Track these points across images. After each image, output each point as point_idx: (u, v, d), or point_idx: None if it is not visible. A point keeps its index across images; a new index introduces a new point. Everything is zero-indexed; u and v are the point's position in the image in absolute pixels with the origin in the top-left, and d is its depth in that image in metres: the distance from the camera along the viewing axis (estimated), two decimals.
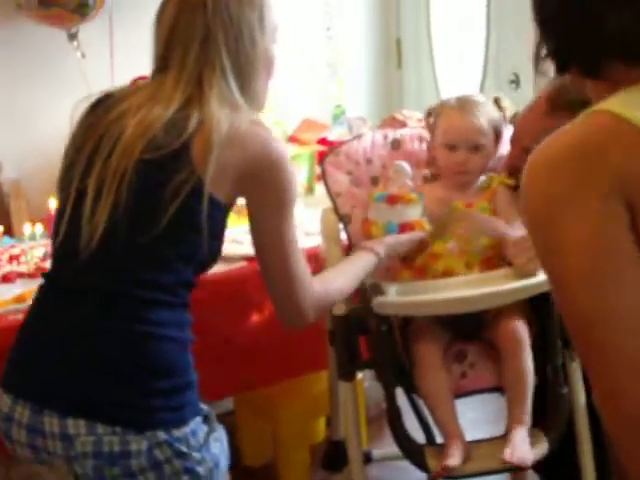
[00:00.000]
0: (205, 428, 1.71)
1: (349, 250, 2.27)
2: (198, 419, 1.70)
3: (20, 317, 2.23)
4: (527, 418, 2.12)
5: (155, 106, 1.67)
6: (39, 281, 2.31)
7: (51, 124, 2.89)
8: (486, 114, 2.31)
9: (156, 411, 1.63)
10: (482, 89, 3.83)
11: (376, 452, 2.74)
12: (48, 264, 2.37)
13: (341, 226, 2.32)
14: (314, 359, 2.54)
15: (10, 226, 2.68)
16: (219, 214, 1.70)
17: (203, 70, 1.71)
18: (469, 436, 2.32)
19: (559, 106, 2.19)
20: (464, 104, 2.32)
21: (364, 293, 2.14)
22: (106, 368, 1.62)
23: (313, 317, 1.82)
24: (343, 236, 2.32)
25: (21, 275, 2.35)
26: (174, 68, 1.72)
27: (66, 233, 1.68)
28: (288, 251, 1.75)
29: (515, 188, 2.24)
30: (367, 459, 2.56)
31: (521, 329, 2.18)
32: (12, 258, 2.43)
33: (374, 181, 2.38)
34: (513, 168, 2.29)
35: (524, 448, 2.07)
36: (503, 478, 2.85)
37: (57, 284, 1.74)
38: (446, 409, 2.16)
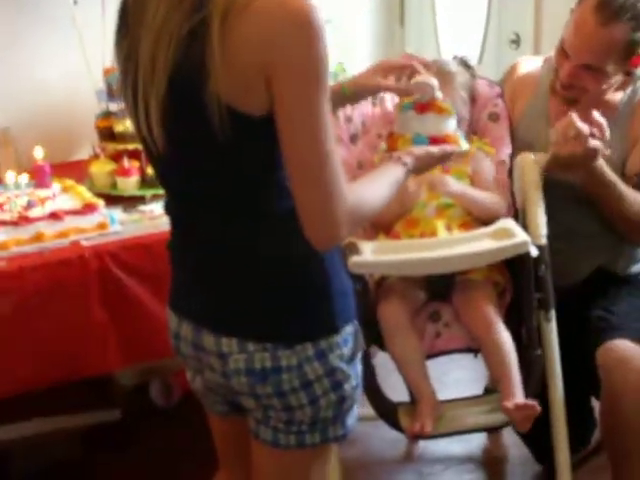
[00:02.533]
0: (353, 341, 1.63)
1: None
2: (349, 328, 1.61)
3: (2, 264, 2.27)
4: (518, 392, 2.12)
5: None
6: (22, 230, 2.36)
7: (41, 73, 2.90)
8: (457, 84, 2.31)
9: (303, 323, 1.58)
10: (483, 48, 3.81)
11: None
12: (31, 213, 2.40)
13: None
14: None
15: None
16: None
17: None
18: (451, 395, 2.35)
19: (614, 14, 2.16)
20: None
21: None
22: (249, 285, 1.58)
23: (346, 233, 1.51)
24: None
25: (4, 223, 2.35)
26: None
27: None
28: (325, 150, 1.44)
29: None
30: None
31: (490, 314, 2.19)
32: None
33: (353, 139, 2.37)
34: (568, 85, 2.29)
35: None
36: (482, 438, 2.89)
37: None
38: (415, 370, 2.17)
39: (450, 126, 1.95)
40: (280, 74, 1.40)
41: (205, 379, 1.70)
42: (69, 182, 2.63)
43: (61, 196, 2.53)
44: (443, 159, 1.84)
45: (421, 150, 1.78)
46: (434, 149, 1.81)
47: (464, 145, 1.94)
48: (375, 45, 3.98)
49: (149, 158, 1.63)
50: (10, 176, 2.56)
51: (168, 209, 1.67)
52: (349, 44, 3.67)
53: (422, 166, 1.78)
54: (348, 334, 1.61)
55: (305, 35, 1.39)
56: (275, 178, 1.51)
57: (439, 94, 1.95)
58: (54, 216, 2.38)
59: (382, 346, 2.24)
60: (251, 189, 1.53)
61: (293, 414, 1.61)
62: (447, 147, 1.84)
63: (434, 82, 1.92)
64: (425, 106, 1.94)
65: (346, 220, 1.49)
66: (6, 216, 2.38)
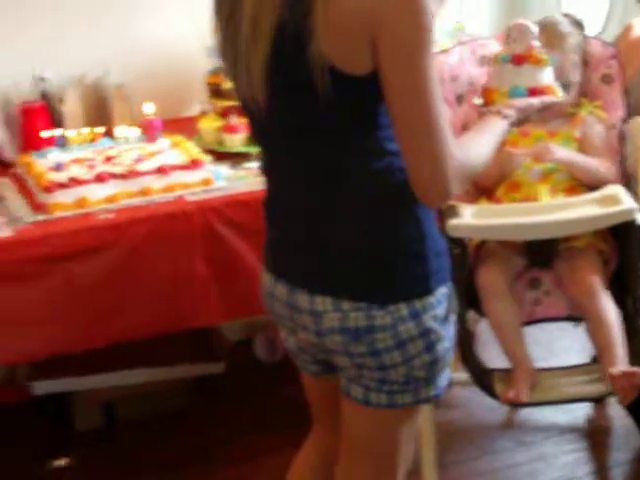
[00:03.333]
0: (447, 303, 1.64)
1: None
2: (443, 290, 1.62)
3: (111, 217, 2.33)
4: (623, 361, 2.07)
5: None
6: (130, 183, 2.41)
7: (155, 30, 2.94)
8: (569, 46, 2.23)
9: (397, 283, 1.59)
10: (612, 5, 3.67)
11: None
12: (139, 167, 2.45)
13: None
14: None
15: (111, 128, 2.74)
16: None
17: None
18: (559, 362, 2.30)
19: None
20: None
21: (440, 215, 2.12)
22: (344, 245, 1.59)
23: (455, 190, 1.52)
24: None
25: (114, 176, 2.40)
26: None
27: None
28: (433, 109, 1.46)
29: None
30: None
31: (595, 284, 2.14)
32: (107, 159, 2.49)
33: (459, 99, 2.32)
34: None
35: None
36: (586, 408, 2.83)
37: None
38: (512, 336, 2.14)
39: (547, 77, 1.94)
40: (386, 33, 1.42)
41: (298, 339, 1.71)
42: (178, 138, 2.67)
43: (170, 151, 2.57)
44: (543, 110, 1.84)
45: (522, 102, 1.79)
46: (534, 100, 1.83)
47: (561, 94, 1.93)
48: (495, 2, 3.88)
49: (248, 117, 1.64)
50: (121, 130, 2.61)
51: (264, 168, 1.69)
52: (468, 2, 3.59)
53: (522, 116, 1.78)
54: (442, 295, 1.61)
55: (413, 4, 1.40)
56: (374, 137, 1.54)
57: (536, 43, 1.96)
58: (161, 170, 2.43)
59: (479, 311, 2.21)
60: (349, 149, 1.55)
61: (386, 373, 1.61)
62: (546, 98, 1.86)
63: (534, 28, 1.94)
64: (522, 58, 1.95)
65: (455, 177, 1.50)
66: (116, 169, 2.44)
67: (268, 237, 1.72)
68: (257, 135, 1.67)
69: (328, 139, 1.54)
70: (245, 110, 1.61)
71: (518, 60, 1.96)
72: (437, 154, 1.48)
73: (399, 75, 1.45)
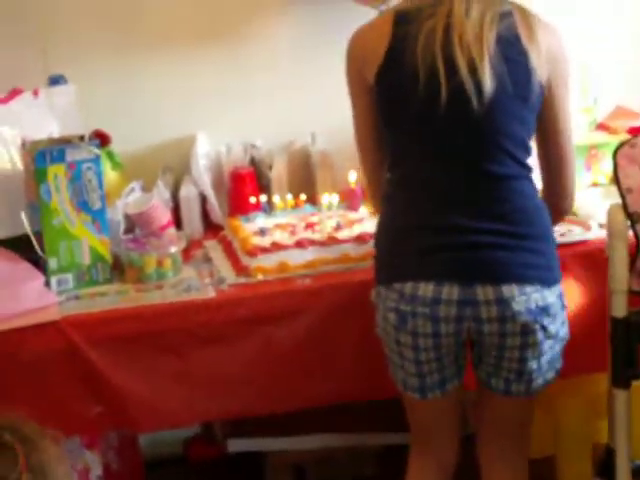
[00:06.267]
0: None
1: (635, 249, 2.15)
2: None
3: (307, 282, 2.38)
4: None
5: None
6: (329, 249, 2.44)
7: None
8: None
9: (554, 268, 2.00)
10: None
11: None
12: (340, 234, 2.49)
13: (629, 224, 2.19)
14: (597, 359, 2.40)
15: (314, 195, 2.80)
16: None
17: None
18: None
19: None
20: None
21: None
22: (525, 237, 1.96)
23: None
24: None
25: (313, 243, 2.45)
26: None
27: None
28: (571, 136, 2.05)
29: None
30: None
31: None
32: (308, 226, 2.55)
33: None
34: None
35: None
36: None
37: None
38: None
39: None
40: (560, 66, 1.99)
41: (464, 332, 1.97)
42: None
43: (369, 220, 2.59)
44: None
45: None
46: None
47: None
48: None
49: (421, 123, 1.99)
50: (325, 198, 2.68)
51: (433, 177, 2.01)
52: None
53: None
54: None
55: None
56: (529, 146, 2.01)
57: None
58: (359, 239, 2.46)
59: None
60: (526, 151, 2.00)
61: (547, 351, 1.99)
62: None
63: None
64: None
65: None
66: (316, 236, 2.49)
67: (425, 249, 1.97)
68: (434, 137, 1.99)
69: (518, 139, 1.97)
70: (414, 110, 1.98)
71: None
72: (573, 178, 2.09)
73: (564, 95, 2.00)
